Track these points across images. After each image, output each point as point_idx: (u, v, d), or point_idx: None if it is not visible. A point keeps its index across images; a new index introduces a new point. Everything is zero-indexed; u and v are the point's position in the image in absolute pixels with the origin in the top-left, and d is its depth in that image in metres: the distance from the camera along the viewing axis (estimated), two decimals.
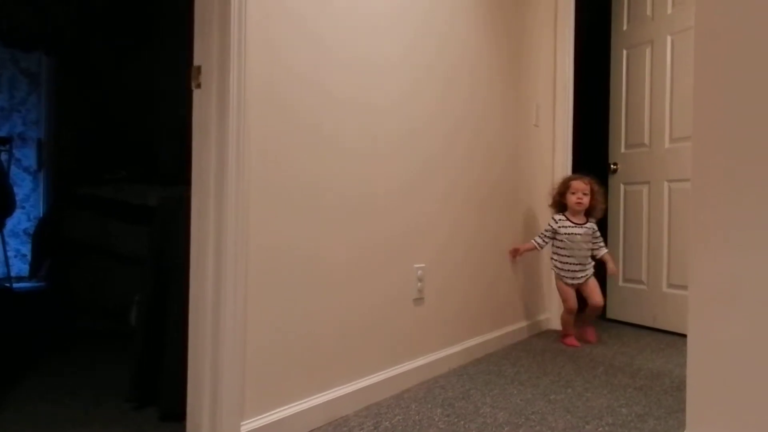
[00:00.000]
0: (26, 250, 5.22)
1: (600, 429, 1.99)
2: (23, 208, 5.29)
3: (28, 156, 5.41)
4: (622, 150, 3.95)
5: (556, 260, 3.34)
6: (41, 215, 5.25)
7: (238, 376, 1.72)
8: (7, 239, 4.81)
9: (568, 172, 3.79)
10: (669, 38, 3.62)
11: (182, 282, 1.82)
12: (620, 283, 3.91)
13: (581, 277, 3.30)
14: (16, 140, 5.15)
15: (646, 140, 3.76)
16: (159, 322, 2.07)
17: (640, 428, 2.01)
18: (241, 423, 1.73)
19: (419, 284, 2.50)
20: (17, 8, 5.00)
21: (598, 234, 3.34)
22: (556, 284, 3.38)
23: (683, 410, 2.16)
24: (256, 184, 1.77)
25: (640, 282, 3.77)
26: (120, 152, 5.13)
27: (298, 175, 1.92)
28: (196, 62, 1.75)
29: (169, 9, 5.01)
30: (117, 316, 2.94)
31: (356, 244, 2.18)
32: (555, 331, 3.62)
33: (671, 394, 2.38)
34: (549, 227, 3.31)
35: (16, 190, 4.77)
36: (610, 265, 3.35)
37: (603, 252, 3.34)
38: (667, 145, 3.63)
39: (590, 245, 3.29)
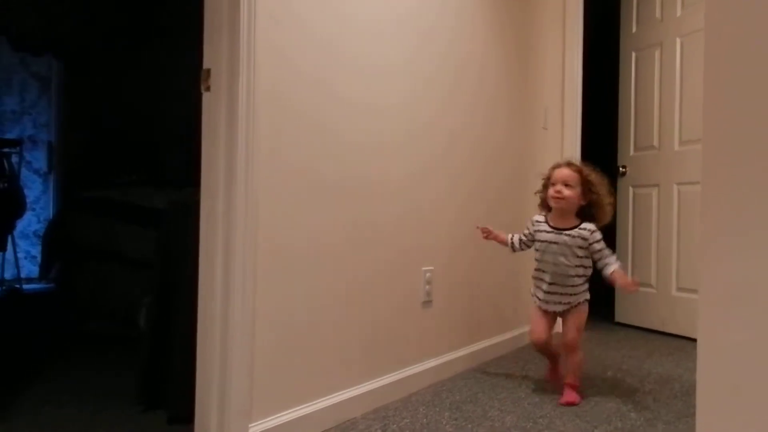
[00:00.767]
0: (36, 251, 5.25)
1: None
2: (33, 210, 5.33)
3: (38, 158, 5.44)
4: (631, 153, 3.93)
5: (533, 275, 2.47)
6: (51, 217, 5.28)
7: (246, 379, 1.72)
8: (17, 241, 4.84)
9: None
10: (678, 40, 3.60)
11: (190, 285, 1.82)
12: None
13: (557, 303, 2.36)
14: (26, 143, 5.18)
15: (656, 143, 3.74)
16: (167, 325, 2.08)
17: None
18: (249, 425, 1.73)
19: (427, 287, 2.50)
20: (27, 13, 5.04)
21: (599, 244, 2.29)
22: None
23: (693, 415, 2.15)
24: (265, 187, 1.77)
25: (650, 285, 3.75)
26: (128, 155, 5.16)
27: (305, 177, 1.92)
28: (205, 65, 1.75)
29: (178, 12, 5.03)
30: (124, 319, 2.95)
31: (365, 246, 2.18)
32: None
33: (681, 398, 2.37)
34: (527, 230, 2.48)
35: (26, 192, 4.81)
36: (621, 282, 2.28)
37: (611, 268, 2.25)
38: (676, 147, 3.61)
39: (578, 260, 2.31)
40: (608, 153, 4.10)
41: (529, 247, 2.47)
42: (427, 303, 2.51)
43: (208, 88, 1.75)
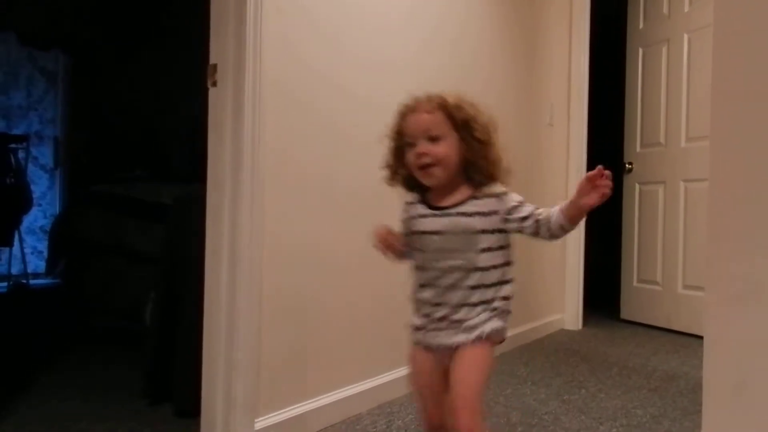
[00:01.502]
0: (42, 247, 5.27)
1: (614, 430, 1.98)
2: (40, 205, 5.34)
3: (44, 154, 5.46)
4: (638, 149, 3.91)
5: (412, 292, 1.51)
6: (57, 213, 5.30)
7: (252, 374, 1.72)
8: (24, 236, 4.86)
9: (583, 171, 3.75)
10: (686, 36, 3.58)
11: (196, 279, 1.83)
12: (635, 283, 3.88)
13: (448, 334, 1.36)
14: (33, 138, 5.20)
15: (662, 139, 3.73)
16: (173, 320, 2.09)
17: (655, 430, 1.99)
18: (255, 420, 1.74)
19: None
20: (34, 8, 5.05)
21: (522, 208, 1.38)
22: None
23: (699, 412, 2.14)
24: (271, 181, 1.77)
25: (655, 283, 3.74)
26: (134, 151, 5.17)
27: (312, 172, 1.92)
28: (212, 60, 1.76)
29: (185, 8, 5.04)
30: (130, 314, 2.96)
31: (370, 241, 2.18)
32: (568, 332, 3.60)
33: (686, 395, 2.36)
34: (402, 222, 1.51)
35: (33, 187, 4.82)
36: (582, 191, 1.26)
37: (554, 209, 1.34)
38: (683, 144, 3.59)
39: (484, 256, 1.35)
40: (614, 149, 4.09)
41: (411, 251, 1.47)
42: None
43: (214, 84, 1.75)
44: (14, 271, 4.87)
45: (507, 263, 1.39)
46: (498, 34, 2.98)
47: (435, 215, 1.38)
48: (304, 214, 1.90)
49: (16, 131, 5.14)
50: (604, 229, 4.46)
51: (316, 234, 1.95)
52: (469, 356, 1.33)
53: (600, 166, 1.27)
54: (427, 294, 1.41)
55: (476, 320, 1.35)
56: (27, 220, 4.94)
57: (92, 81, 5.41)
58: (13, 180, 4.32)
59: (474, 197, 1.37)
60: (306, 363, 1.92)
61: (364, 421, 2.02)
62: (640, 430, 1.99)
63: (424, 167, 1.35)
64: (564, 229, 1.32)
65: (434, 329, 1.38)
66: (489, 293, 1.36)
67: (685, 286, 3.56)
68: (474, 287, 1.34)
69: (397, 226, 1.49)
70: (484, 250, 1.34)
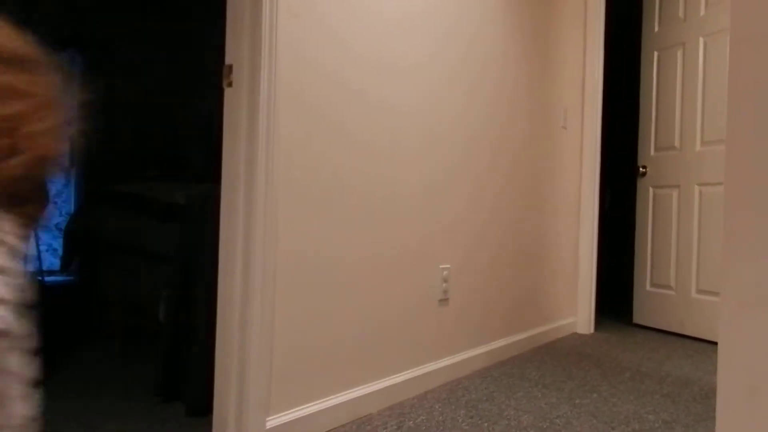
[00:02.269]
0: (57, 244, 5.33)
1: None
2: (55, 203, 5.40)
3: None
4: (652, 153, 3.89)
5: None
6: (72, 211, 5.35)
7: (264, 373, 1.73)
8: (39, 234, 4.91)
9: (596, 174, 3.74)
10: (702, 40, 3.56)
11: (209, 278, 1.84)
12: (648, 287, 3.86)
13: None
14: None
15: (677, 143, 3.71)
16: (186, 318, 2.10)
17: None
18: (267, 419, 1.74)
19: (444, 285, 2.50)
20: (51, 7, 5.10)
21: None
22: None
23: (712, 418, 2.13)
24: (284, 183, 1.78)
25: (669, 287, 3.71)
26: (149, 150, 5.21)
27: (323, 174, 1.93)
28: (227, 61, 1.77)
29: (199, 8, 5.07)
30: (143, 312, 2.98)
31: (381, 243, 2.19)
32: (580, 335, 3.59)
33: (700, 401, 2.34)
34: None
35: (48, 186, 4.86)
36: None
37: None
38: (698, 148, 3.57)
39: None
40: (628, 153, 4.07)
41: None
42: (444, 301, 2.51)
43: (230, 84, 1.76)
44: (29, 268, 4.93)
45: None
46: (512, 36, 2.98)
47: None
48: (315, 215, 1.91)
49: None
50: (617, 233, 4.44)
51: (328, 234, 1.95)
52: None
53: None
54: None
55: None
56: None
57: (107, 81, 5.45)
58: None
59: None
60: (317, 363, 1.92)
61: (374, 421, 2.02)
62: None
63: None
64: None
65: None
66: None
67: (699, 291, 3.53)
68: None
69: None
70: None
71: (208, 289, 1.90)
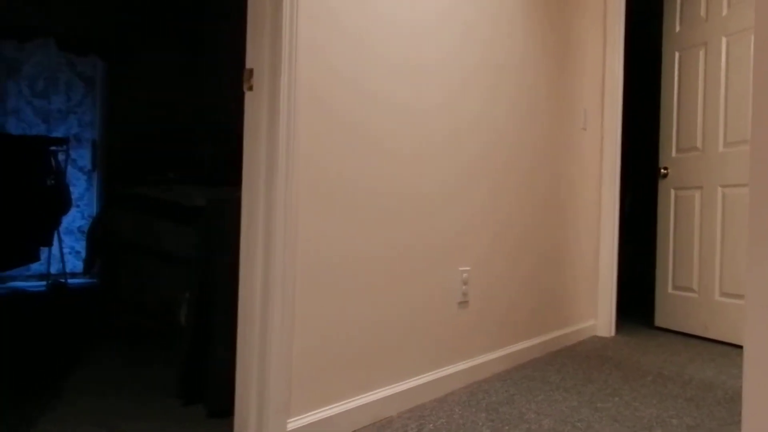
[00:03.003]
0: (80, 247, 5.41)
1: None
2: (78, 206, 5.48)
3: (83, 156, 5.60)
4: (673, 154, 3.85)
5: None
6: (95, 214, 5.43)
7: (285, 375, 1.74)
8: (62, 236, 4.99)
9: (617, 176, 3.71)
10: (724, 40, 3.51)
11: (229, 281, 1.85)
12: (670, 290, 3.82)
13: None
14: (72, 141, 5.34)
15: (699, 144, 3.66)
16: (207, 321, 2.12)
17: None
18: (288, 420, 1.75)
19: (464, 287, 2.49)
20: (72, 14, 5.18)
21: None
22: None
23: (737, 423, 2.10)
24: (304, 185, 1.79)
25: (691, 290, 3.67)
26: (169, 154, 5.26)
27: (342, 177, 1.94)
28: (248, 65, 1.78)
29: (220, 14, 5.11)
30: (163, 314, 3.01)
31: (400, 245, 2.19)
32: (601, 338, 3.55)
33: (724, 405, 2.31)
34: None
35: (71, 189, 4.95)
36: None
37: None
38: (721, 149, 3.52)
39: None
40: (650, 154, 4.03)
41: None
42: (464, 303, 2.51)
43: (250, 88, 1.78)
44: (53, 270, 5.01)
45: None
46: (531, 37, 2.96)
47: None
48: (334, 217, 1.91)
49: (55, 134, 5.30)
50: (639, 235, 4.39)
51: (347, 236, 1.96)
52: None
53: None
54: None
55: None
56: (65, 221, 5.08)
57: (128, 85, 5.53)
58: (53, 181, 4.44)
59: None
60: (337, 365, 1.93)
61: (395, 424, 2.02)
62: None
63: None
64: None
65: None
66: None
67: (723, 294, 3.48)
68: None
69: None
70: None
71: (228, 291, 1.92)
